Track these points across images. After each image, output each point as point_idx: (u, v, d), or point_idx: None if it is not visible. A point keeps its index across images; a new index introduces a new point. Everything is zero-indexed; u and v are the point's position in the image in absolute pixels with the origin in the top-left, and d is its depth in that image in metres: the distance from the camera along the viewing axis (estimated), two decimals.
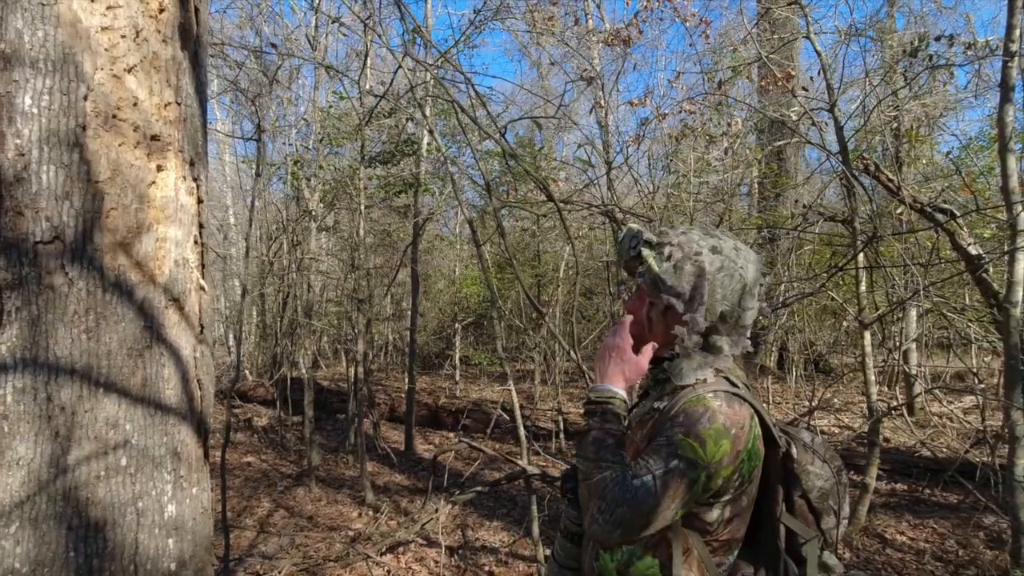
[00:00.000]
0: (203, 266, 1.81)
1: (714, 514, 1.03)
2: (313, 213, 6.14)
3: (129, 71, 1.52)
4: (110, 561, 1.44)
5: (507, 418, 5.09)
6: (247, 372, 7.89)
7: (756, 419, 1.05)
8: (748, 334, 1.11)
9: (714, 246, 1.08)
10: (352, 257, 5.75)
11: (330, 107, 5.70)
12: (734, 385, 1.06)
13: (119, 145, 1.51)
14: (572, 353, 2.58)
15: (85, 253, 1.44)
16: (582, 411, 1.11)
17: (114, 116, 1.50)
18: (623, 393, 1.07)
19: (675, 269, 1.07)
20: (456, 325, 10.50)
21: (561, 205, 2.36)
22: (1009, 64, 2.99)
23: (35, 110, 1.39)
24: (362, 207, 4.66)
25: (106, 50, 1.48)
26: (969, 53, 4.30)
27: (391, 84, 3.80)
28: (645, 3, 4.43)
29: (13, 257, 1.37)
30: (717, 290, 1.06)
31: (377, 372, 9.89)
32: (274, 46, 4.69)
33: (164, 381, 1.58)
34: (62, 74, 1.41)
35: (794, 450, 1.07)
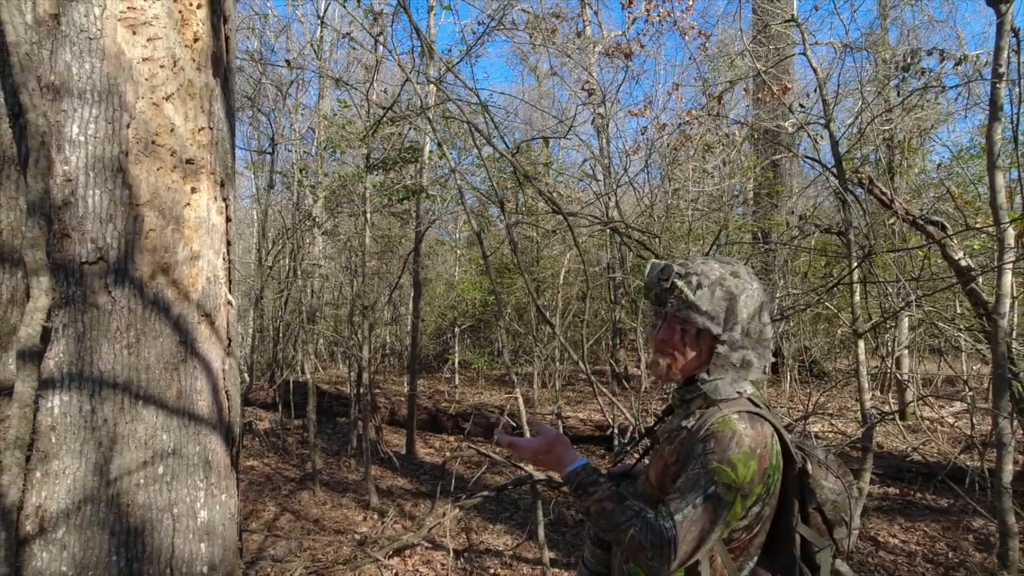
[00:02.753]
0: (230, 281, 1.89)
1: (739, 524, 1.12)
2: (316, 219, 6.21)
3: (167, 99, 1.61)
4: (148, 564, 1.52)
5: (511, 423, 5.18)
6: (246, 375, 7.95)
7: (776, 437, 1.14)
8: (771, 347, 1.22)
9: (733, 272, 1.18)
10: (355, 263, 5.82)
11: (335, 115, 5.79)
12: (756, 406, 1.16)
13: (158, 169, 1.59)
14: (581, 364, 2.68)
15: (127, 273, 1.52)
16: (569, 495, 1.22)
17: (153, 142, 1.58)
18: (578, 464, 1.21)
19: (708, 295, 1.16)
20: (455, 329, 10.57)
21: (570, 220, 2.45)
22: (998, 85, 3.10)
23: (82, 138, 1.47)
24: (368, 215, 4.73)
25: (146, 79, 1.57)
26: (959, 69, 4.43)
27: (398, 95, 3.89)
28: (648, 16, 4.54)
29: (61, 277, 1.45)
30: (744, 310, 1.16)
31: (375, 375, 9.95)
32: (288, 62, 4.76)
33: (197, 393, 1.66)
34: (107, 103, 1.50)
35: (809, 466, 1.16)
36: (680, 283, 1.18)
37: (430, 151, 6.17)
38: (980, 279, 3.98)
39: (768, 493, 1.12)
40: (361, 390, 5.40)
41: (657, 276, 1.22)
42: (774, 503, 1.15)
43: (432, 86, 4.20)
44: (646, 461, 1.39)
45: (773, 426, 1.14)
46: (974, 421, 4.46)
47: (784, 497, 1.16)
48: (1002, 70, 3.07)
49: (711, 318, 1.16)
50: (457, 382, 10.14)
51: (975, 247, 4.85)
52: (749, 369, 1.18)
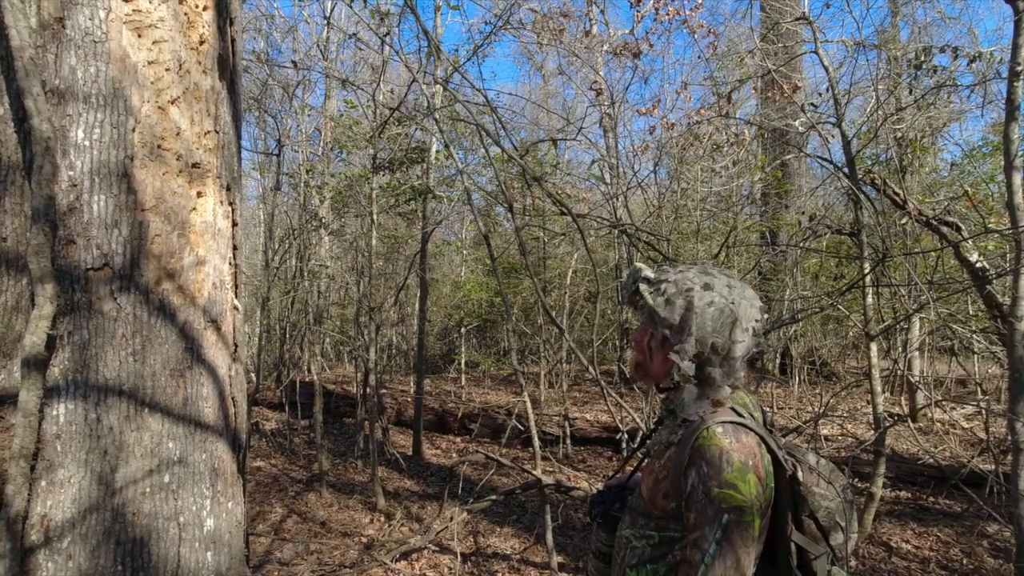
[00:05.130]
0: (236, 286, 1.87)
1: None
2: (322, 219, 6.21)
3: (173, 103, 1.59)
4: (154, 575, 1.50)
5: (519, 426, 5.16)
6: (252, 376, 7.97)
7: (763, 446, 1.11)
8: (739, 366, 1.18)
9: (707, 283, 1.18)
10: (361, 264, 5.81)
11: (341, 116, 5.77)
12: (740, 415, 1.13)
13: (163, 174, 1.57)
14: (591, 368, 2.65)
15: (132, 279, 1.50)
16: None
17: (159, 146, 1.56)
18: None
19: (667, 303, 1.18)
20: (461, 329, 10.56)
21: (579, 221, 2.43)
22: (1015, 83, 3.04)
23: (87, 143, 1.45)
24: (374, 215, 4.71)
25: (152, 83, 1.55)
26: (974, 66, 4.36)
27: (405, 96, 3.87)
28: (656, 14, 4.50)
29: (66, 284, 1.43)
30: (708, 323, 1.15)
31: (382, 375, 9.95)
32: (294, 63, 4.75)
33: (203, 400, 1.64)
34: (112, 108, 1.48)
35: (800, 473, 1.14)
36: (643, 287, 1.20)
37: (436, 151, 6.15)
38: (993, 282, 3.91)
39: (768, 503, 1.10)
40: (368, 391, 5.39)
41: (628, 280, 1.24)
42: (769, 512, 1.13)
43: (439, 86, 4.18)
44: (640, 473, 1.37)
45: (758, 435, 1.12)
46: (988, 425, 4.40)
47: (777, 505, 1.14)
48: (1020, 68, 3.00)
49: (668, 326, 1.17)
50: (463, 382, 10.12)
51: (990, 248, 4.78)
52: (712, 385, 1.16)
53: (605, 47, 7.73)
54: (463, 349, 10.54)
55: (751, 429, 1.11)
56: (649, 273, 1.22)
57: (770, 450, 1.12)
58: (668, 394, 1.23)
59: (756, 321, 1.18)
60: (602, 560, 1.29)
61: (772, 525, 1.14)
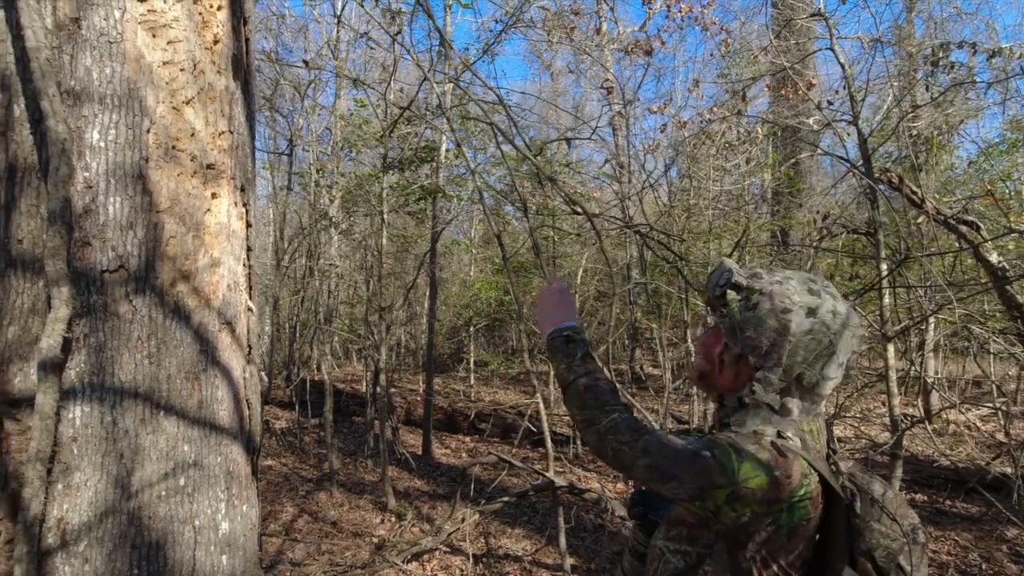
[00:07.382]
0: (250, 288, 1.86)
1: (749, 551, 1.01)
2: (332, 218, 6.21)
3: (187, 103, 1.58)
4: None
5: (530, 427, 5.14)
6: (264, 376, 8.00)
7: (813, 477, 1.00)
8: (823, 403, 1.06)
9: (811, 307, 1.00)
10: (371, 263, 5.82)
11: (352, 115, 5.78)
12: (785, 439, 1.04)
13: (178, 175, 1.56)
14: (605, 371, 2.62)
15: (147, 281, 1.49)
16: (550, 350, 1.16)
17: (173, 147, 1.55)
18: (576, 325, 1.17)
19: (758, 321, 1.01)
20: (470, 328, 10.55)
21: (594, 221, 2.41)
22: None
23: (103, 144, 1.44)
24: (384, 215, 4.71)
25: (167, 83, 1.54)
26: (992, 62, 4.28)
27: (416, 95, 3.85)
28: (668, 12, 4.46)
29: (81, 286, 1.43)
30: (799, 352, 1.00)
31: (391, 374, 9.96)
32: (306, 63, 4.76)
33: (218, 403, 1.63)
34: (127, 109, 1.47)
35: (858, 504, 1.03)
36: (731, 295, 1.04)
37: (446, 150, 6.13)
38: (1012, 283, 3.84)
39: (783, 531, 1.00)
40: (378, 390, 5.39)
41: (715, 279, 1.09)
42: (798, 546, 1.03)
43: (450, 85, 4.17)
44: None
45: (811, 464, 1.01)
46: (1007, 426, 4.33)
47: (831, 536, 1.04)
48: None
49: (752, 347, 1.01)
50: (472, 381, 10.11)
51: (1009, 248, 4.70)
52: (786, 416, 1.04)
53: (615, 45, 7.69)
54: (472, 348, 10.53)
55: (799, 455, 1.01)
56: (741, 278, 1.05)
57: (822, 480, 1.01)
58: (727, 408, 1.10)
59: (853, 353, 1.04)
60: (637, 559, 1.25)
61: (823, 558, 1.05)
